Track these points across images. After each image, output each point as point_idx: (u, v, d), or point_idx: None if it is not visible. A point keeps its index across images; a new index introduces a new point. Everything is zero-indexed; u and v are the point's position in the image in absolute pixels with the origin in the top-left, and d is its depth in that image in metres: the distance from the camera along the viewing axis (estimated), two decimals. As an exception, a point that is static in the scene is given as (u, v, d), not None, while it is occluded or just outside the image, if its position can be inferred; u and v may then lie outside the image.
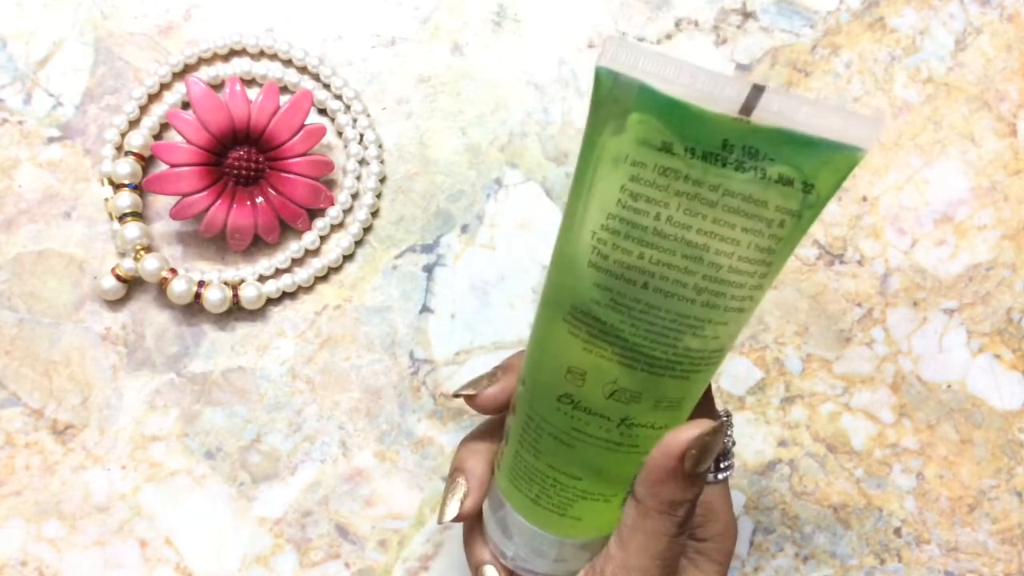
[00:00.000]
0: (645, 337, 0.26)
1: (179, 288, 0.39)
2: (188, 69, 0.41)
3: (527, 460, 0.29)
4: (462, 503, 0.31)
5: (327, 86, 0.41)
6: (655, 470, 0.27)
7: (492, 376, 0.31)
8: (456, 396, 0.31)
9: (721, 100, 0.23)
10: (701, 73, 0.23)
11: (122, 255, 0.41)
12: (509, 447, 0.30)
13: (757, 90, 0.23)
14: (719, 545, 0.31)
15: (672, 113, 0.24)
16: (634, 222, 0.25)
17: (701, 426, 0.26)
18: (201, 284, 0.40)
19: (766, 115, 0.24)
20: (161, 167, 0.39)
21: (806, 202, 0.25)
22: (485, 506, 0.32)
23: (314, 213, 0.41)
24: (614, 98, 0.24)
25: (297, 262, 0.41)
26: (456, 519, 0.31)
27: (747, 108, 0.24)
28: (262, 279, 0.41)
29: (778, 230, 0.25)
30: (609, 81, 0.24)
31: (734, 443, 0.33)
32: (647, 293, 0.25)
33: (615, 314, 0.26)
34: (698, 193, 0.24)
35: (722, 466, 0.32)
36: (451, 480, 0.32)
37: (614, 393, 0.27)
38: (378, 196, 0.41)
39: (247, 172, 0.40)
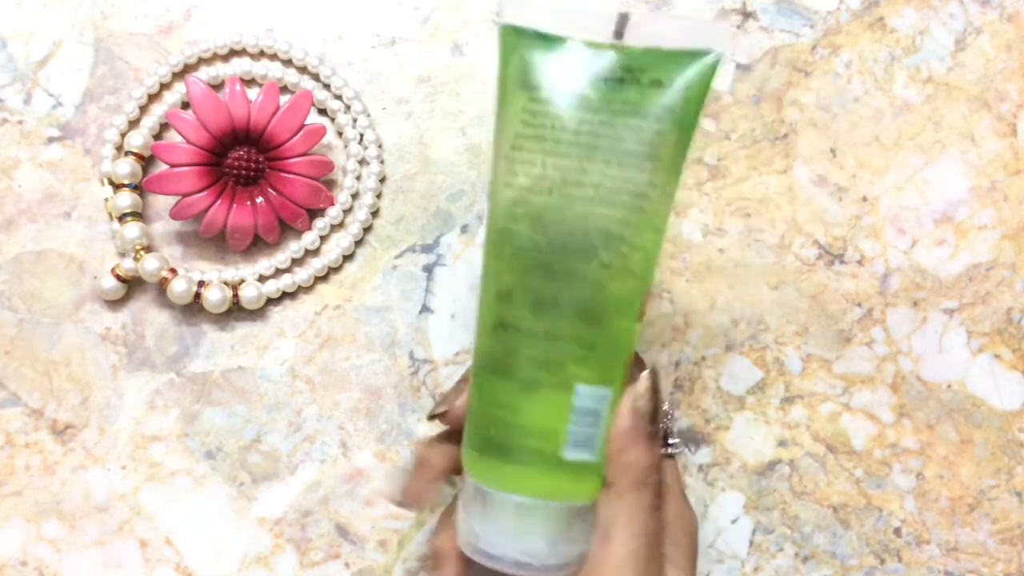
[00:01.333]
0: (556, 243, 0.28)
1: (179, 288, 0.39)
2: (188, 69, 0.41)
3: (475, 412, 0.30)
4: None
5: (327, 86, 0.41)
6: (618, 438, 0.29)
7: (458, 390, 0.33)
8: (432, 419, 0.33)
9: (597, 30, 0.29)
10: (576, 10, 0.29)
11: (122, 255, 0.41)
12: (472, 430, 0.31)
13: (624, 17, 0.29)
14: (678, 529, 0.31)
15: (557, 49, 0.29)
16: (535, 135, 0.29)
17: (643, 380, 0.29)
18: (201, 284, 0.40)
19: (635, 39, 0.29)
20: (161, 167, 0.39)
21: (677, 97, 0.29)
22: (461, 514, 0.31)
23: (314, 213, 0.41)
24: (510, 47, 0.29)
25: (297, 262, 0.41)
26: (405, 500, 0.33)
27: (618, 34, 0.29)
28: (262, 279, 0.41)
29: (655, 124, 0.28)
30: (503, 33, 0.29)
31: (674, 417, 0.33)
32: (552, 199, 0.28)
33: (526, 226, 0.29)
34: (586, 105, 0.28)
35: (670, 442, 0.32)
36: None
37: (538, 306, 0.29)
38: (378, 196, 0.41)
39: (247, 172, 0.40)
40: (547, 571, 0.30)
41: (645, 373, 0.29)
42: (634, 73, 0.28)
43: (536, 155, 0.29)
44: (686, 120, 0.29)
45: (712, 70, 0.29)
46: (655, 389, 0.29)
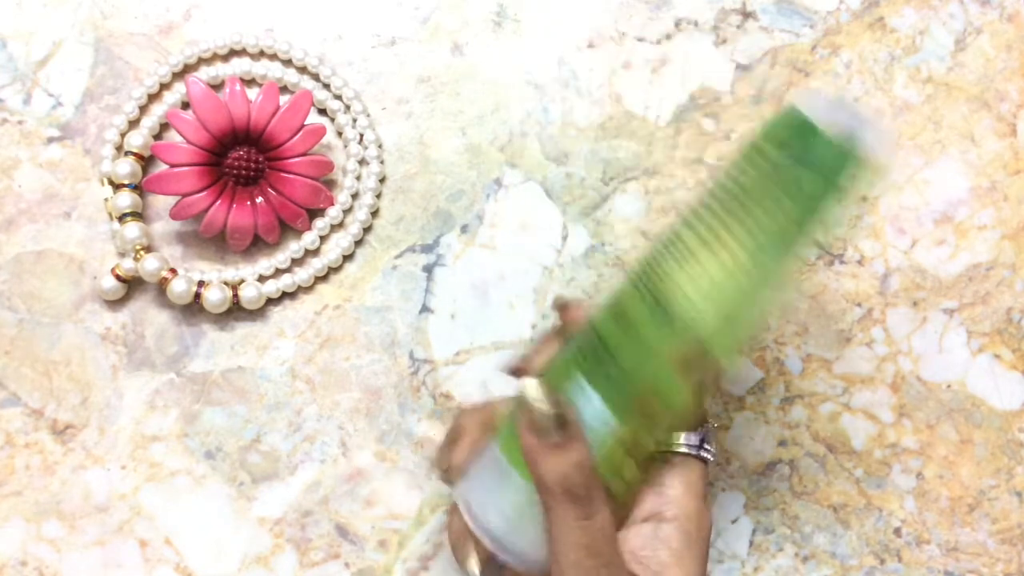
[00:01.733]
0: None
1: (179, 288, 0.39)
2: (188, 69, 0.41)
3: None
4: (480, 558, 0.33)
5: (327, 86, 0.41)
6: (526, 456, 0.29)
7: (454, 442, 0.33)
8: (437, 470, 0.34)
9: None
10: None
11: (122, 255, 0.41)
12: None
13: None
14: (692, 530, 0.31)
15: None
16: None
17: (526, 390, 0.29)
18: (201, 284, 0.40)
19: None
20: (161, 167, 0.39)
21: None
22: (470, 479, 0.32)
23: (314, 213, 0.41)
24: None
25: (297, 262, 0.41)
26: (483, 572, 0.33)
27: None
28: (262, 279, 0.41)
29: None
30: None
31: (713, 426, 0.33)
32: None
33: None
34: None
35: (705, 447, 0.32)
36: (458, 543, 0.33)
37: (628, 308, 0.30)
38: (378, 196, 0.41)
39: (247, 172, 0.40)
40: (504, 552, 0.31)
41: (526, 382, 0.29)
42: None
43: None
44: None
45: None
46: (536, 401, 0.29)
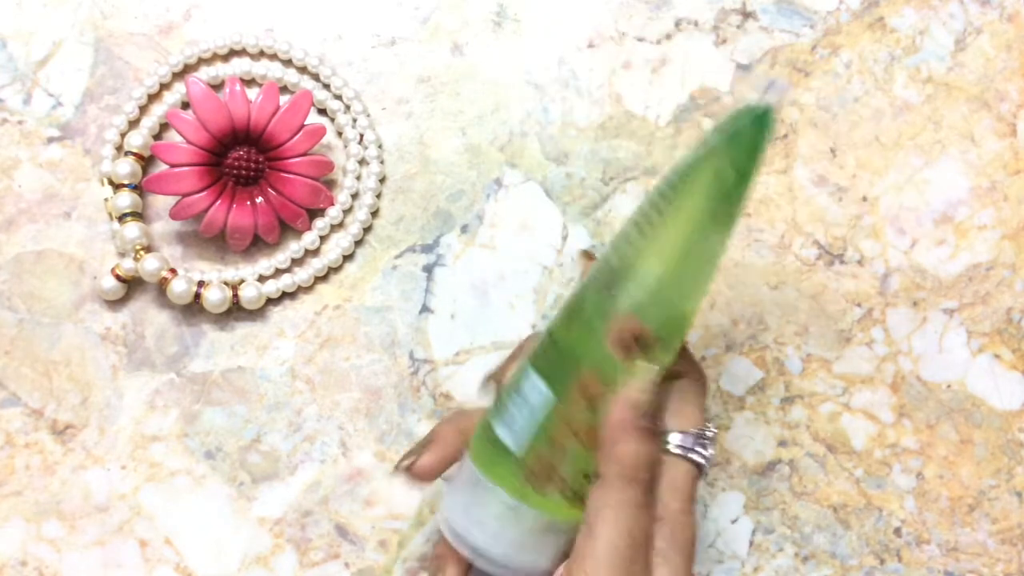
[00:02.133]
0: None
1: (179, 288, 0.39)
2: (188, 69, 0.41)
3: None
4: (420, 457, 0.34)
5: (327, 86, 0.41)
6: (612, 428, 0.29)
7: (424, 447, 0.34)
8: (398, 468, 0.34)
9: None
10: None
11: (122, 255, 0.41)
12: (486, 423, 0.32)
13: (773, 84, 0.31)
14: (679, 534, 0.31)
15: None
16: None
17: (642, 375, 0.29)
18: (201, 284, 0.40)
19: None
20: (161, 167, 0.39)
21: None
22: (456, 505, 0.32)
23: (314, 213, 0.41)
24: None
25: (297, 262, 0.41)
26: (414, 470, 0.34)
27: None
28: (262, 279, 0.41)
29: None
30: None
31: (710, 430, 0.33)
32: None
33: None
34: None
35: (705, 455, 0.32)
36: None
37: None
38: (378, 196, 0.41)
39: (247, 172, 0.40)
40: (489, 563, 0.31)
41: (646, 367, 0.29)
42: None
43: None
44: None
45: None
46: (652, 386, 0.29)
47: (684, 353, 0.33)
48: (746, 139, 0.28)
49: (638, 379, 0.29)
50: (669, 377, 0.33)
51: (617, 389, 0.30)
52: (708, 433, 0.32)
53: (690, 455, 0.31)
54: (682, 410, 0.32)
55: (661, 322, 0.30)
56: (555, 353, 0.31)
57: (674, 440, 0.32)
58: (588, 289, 0.31)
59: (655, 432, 0.30)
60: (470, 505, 0.31)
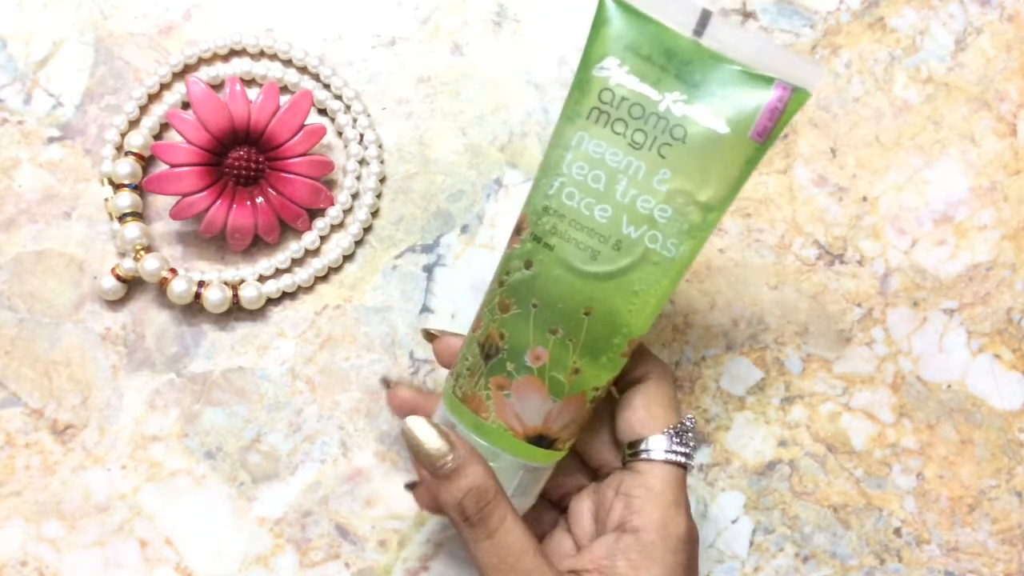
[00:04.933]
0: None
1: (179, 288, 0.39)
2: (188, 69, 0.41)
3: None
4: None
5: (327, 86, 0.41)
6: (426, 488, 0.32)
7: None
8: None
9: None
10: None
11: (122, 255, 0.41)
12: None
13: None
14: (633, 540, 0.31)
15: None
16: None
17: (406, 431, 0.30)
18: (201, 284, 0.40)
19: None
20: (161, 167, 0.39)
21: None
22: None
23: (314, 213, 0.41)
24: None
25: (297, 262, 0.41)
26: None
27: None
28: (262, 279, 0.41)
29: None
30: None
31: (687, 424, 0.33)
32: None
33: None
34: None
35: (684, 451, 0.32)
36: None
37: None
38: (378, 196, 0.41)
39: (247, 172, 0.40)
40: None
41: (409, 421, 0.30)
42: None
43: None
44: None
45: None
46: (415, 444, 0.30)
47: (641, 353, 0.33)
48: None
49: (413, 434, 0.30)
50: (631, 383, 0.33)
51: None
52: (686, 423, 0.32)
53: (669, 457, 0.31)
54: (652, 414, 0.32)
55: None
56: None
57: (650, 446, 0.32)
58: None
59: (460, 466, 0.30)
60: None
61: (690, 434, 0.32)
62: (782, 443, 0.41)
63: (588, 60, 0.30)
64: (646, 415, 0.32)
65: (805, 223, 0.41)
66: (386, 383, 0.39)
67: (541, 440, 0.31)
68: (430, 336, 0.36)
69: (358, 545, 0.40)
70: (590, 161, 0.30)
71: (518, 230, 0.31)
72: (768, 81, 0.29)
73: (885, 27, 0.42)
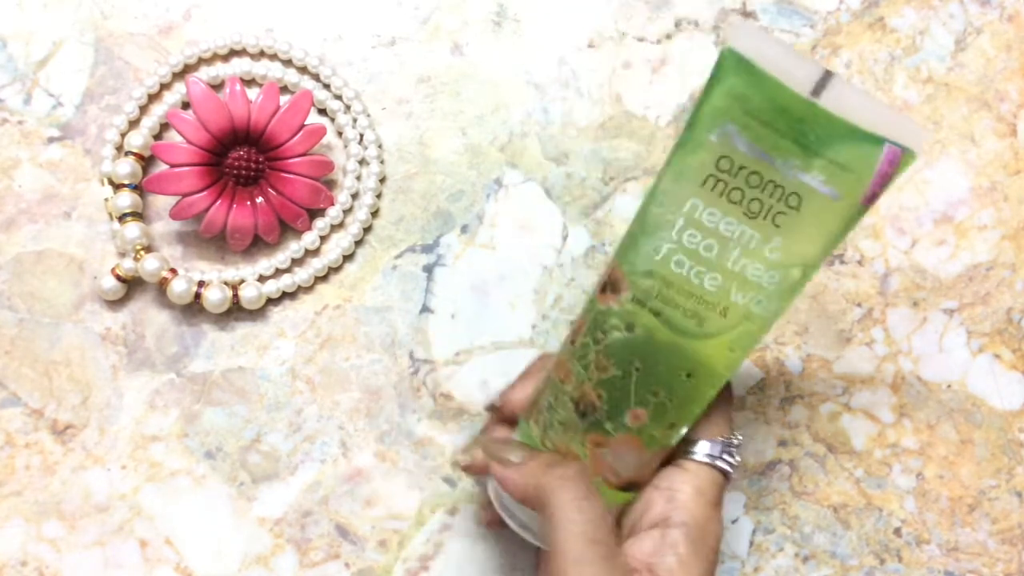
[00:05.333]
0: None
1: (179, 288, 0.39)
2: (188, 69, 0.41)
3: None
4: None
5: (327, 86, 0.41)
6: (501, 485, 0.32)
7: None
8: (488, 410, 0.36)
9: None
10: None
11: (122, 255, 0.41)
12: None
13: (827, 75, 0.28)
14: (683, 534, 0.31)
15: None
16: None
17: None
18: (201, 284, 0.40)
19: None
20: (161, 167, 0.39)
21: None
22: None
23: (314, 213, 0.41)
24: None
25: (297, 262, 0.41)
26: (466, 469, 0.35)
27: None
28: (262, 279, 0.41)
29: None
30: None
31: (737, 439, 0.33)
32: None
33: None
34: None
35: (731, 462, 0.33)
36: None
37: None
38: (378, 196, 0.41)
39: (247, 172, 0.40)
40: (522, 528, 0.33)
41: (490, 485, 0.33)
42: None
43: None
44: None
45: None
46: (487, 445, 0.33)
47: None
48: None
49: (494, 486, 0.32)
50: None
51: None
52: (735, 441, 0.33)
53: (717, 463, 0.32)
54: (710, 420, 0.32)
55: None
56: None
57: (702, 449, 0.32)
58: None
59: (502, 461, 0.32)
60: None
61: (736, 450, 0.33)
62: (782, 443, 0.41)
63: (704, 119, 0.29)
64: (703, 422, 0.32)
65: (805, 223, 0.41)
66: (491, 408, 0.37)
67: (631, 487, 0.32)
68: (495, 408, 0.36)
69: (358, 545, 0.40)
70: (703, 230, 0.29)
71: (614, 287, 0.30)
72: (878, 142, 0.28)
73: (885, 27, 0.42)
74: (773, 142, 0.28)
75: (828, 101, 0.28)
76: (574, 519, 0.29)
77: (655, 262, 0.30)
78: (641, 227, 0.30)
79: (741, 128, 0.28)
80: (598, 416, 0.31)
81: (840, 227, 0.29)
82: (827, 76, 0.28)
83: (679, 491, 0.31)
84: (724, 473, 0.32)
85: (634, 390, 0.30)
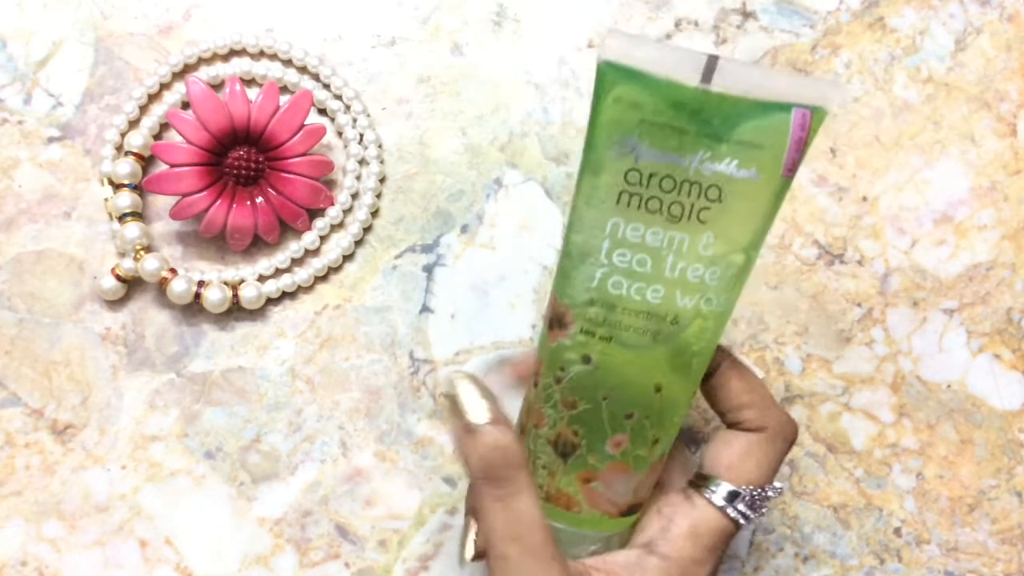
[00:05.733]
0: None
1: (179, 288, 0.39)
2: (188, 69, 0.41)
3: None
4: (477, 542, 0.31)
5: (327, 86, 0.41)
6: (453, 442, 0.30)
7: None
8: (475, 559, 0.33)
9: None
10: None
11: (122, 255, 0.41)
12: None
13: (713, 60, 0.27)
14: (658, 566, 0.30)
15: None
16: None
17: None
18: (201, 284, 0.40)
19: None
20: (161, 167, 0.39)
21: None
22: None
23: (314, 213, 0.41)
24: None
25: (297, 262, 0.41)
26: (476, 558, 0.31)
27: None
28: (262, 279, 0.41)
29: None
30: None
31: (763, 492, 0.31)
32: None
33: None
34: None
35: (752, 512, 0.31)
36: (466, 522, 0.32)
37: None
38: (378, 196, 0.41)
39: (247, 172, 0.40)
40: None
41: (453, 375, 0.29)
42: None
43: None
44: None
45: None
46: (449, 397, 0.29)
47: (767, 403, 0.32)
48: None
49: (453, 387, 0.29)
50: (746, 428, 0.31)
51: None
52: (768, 493, 0.31)
53: (727, 510, 0.30)
54: (745, 467, 0.31)
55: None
56: None
57: (719, 491, 0.30)
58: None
59: (492, 423, 0.28)
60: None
61: (767, 502, 0.31)
62: (782, 443, 0.41)
63: (600, 137, 0.28)
64: (738, 464, 0.31)
65: (805, 223, 0.41)
66: (502, 364, 0.34)
67: (633, 509, 0.31)
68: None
69: (358, 545, 0.40)
70: (631, 247, 0.28)
71: (560, 323, 0.30)
72: (784, 109, 0.28)
73: (885, 27, 0.42)
74: (676, 141, 0.27)
75: (720, 84, 0.27)
76: (495, 515, 0.28)
77: (592, 289, 0.29)
78: (569, 258, 0.30)
79: (639, 136, 0.28)
80: (580, 453, 0.30)
81: (769, 205, 0.29)
82: (713, 60, 0.27)
83: (675, 525, 0.30)
84: (735, 523, 0.30)
85: (607, 419, 0.30)
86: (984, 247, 0.41)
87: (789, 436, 0.32)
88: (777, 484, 0.31)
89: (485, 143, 0.42)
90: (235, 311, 0.41)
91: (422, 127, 0.42)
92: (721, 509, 0.30)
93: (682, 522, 0.30)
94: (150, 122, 0.41)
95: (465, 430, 0.28)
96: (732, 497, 0.30)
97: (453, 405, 0.29)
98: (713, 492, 0.30)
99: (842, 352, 0.41)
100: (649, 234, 0.28)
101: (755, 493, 0.30)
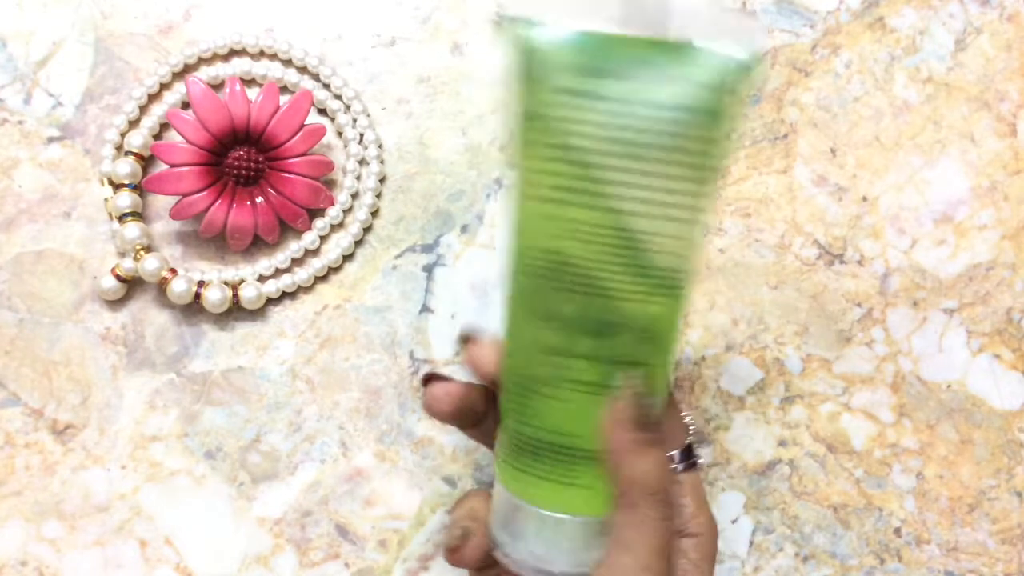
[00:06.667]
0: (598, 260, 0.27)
1: (179, 288, 0.39)
2: (188, 69, 0.41)
3: (526, 438, 0.29)
4: (463, 537, 0.31)
5: (327, 86, 0.41)
6: (613, 454, 0.28)
7: (464, 534, 0.31)
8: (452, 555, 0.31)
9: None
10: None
11: (122, 255, 0.41)
12: (505, 440, 0.30)
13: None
14: (695, 543, 0.30)
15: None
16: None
17: (623, 390, 0.28)
18: (201, 284, 0.40)
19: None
20: (161, 167, 0.39)
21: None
22: (493, 518, 0.31)
23: (314, 213, 0.41)
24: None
25: (297, 262, 0.41)
26: (458, 559, 0.31)
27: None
28: (262, 279, 0.41)
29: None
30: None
31: (692, 431, 0.32)
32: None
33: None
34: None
35: (695, 454, 0.32)
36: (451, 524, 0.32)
37: (593, 329, 0.28)
38: (378, 196, 0.41)
39: (247, 172, 0.40)
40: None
41: (626, 382, 0.28)
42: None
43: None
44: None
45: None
46: (638, 395, 0.28)
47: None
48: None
49: (621, 392, 0.28)
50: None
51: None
52: (695, 434, 0.32)
53: (687, 463, 0.31)
54: (669, 431, 0.31)
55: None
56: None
57: (680, 458, 0.31)
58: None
59: (656, 440, 0.28)
60: (543, 540, 0.30)
61: (699, 440, 0.32)
62: (782, 443, 0.41)
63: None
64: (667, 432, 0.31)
65: (805, 223, 0.41)
66: (464, 339, 0.33)
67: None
68: (468, 339, 0.32)
69: (358, 545, 0.40)
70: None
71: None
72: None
73: (885, 27, 0.42)
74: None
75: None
76: (657, 535, 0.28)
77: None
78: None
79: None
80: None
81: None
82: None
83: (684, 504, 0.31)
84: (696, 466, 0.32)
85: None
86: (984, 247, 0.41)
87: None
88: (687, 416, 0.32)
89: (485, 143, 0.42)
90: (235, 311, 0.41)
91: (422, 127, 0.42)
92: (689, 467, 0.31)
93: (685, 500, 0.31)
94: (150, 122, 0.41)
95: (641, 441, 0.28)
96: (688, 453, 0.31)
97: (630, 409, 0.28)
98: (677, 465, 0.31)
99: (842, 352, 0.41)
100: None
101: (688, 441, 0.31)
